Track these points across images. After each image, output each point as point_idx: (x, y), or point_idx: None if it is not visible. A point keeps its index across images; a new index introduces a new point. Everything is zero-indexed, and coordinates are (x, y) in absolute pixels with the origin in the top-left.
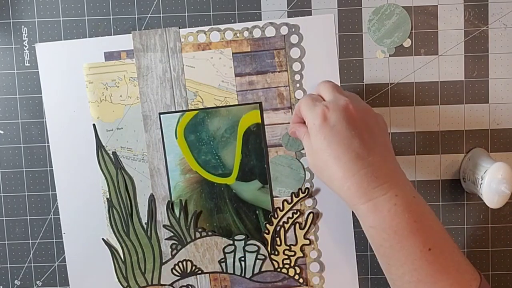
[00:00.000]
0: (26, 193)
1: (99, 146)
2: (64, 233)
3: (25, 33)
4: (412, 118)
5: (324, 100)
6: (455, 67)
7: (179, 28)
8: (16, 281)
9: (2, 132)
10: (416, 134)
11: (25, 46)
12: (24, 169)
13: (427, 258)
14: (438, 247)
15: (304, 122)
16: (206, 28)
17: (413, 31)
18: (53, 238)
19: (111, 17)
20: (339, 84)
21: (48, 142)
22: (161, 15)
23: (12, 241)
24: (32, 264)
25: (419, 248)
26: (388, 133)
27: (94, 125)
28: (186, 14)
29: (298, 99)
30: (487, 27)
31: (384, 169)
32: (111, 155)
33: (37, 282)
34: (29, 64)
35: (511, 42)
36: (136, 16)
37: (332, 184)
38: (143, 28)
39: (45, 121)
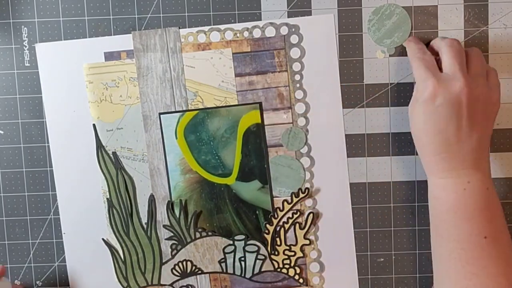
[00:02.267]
0: (26, 193)
1: (99, 146)
2: (64, 233)
3: (25, 33)
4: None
5: (439, 67)
6: None
7: (179, 28)
8: (16, 281)
9: (2, 132)
10: None
11: (25, 46)
12: (24, 169)
13: (480, 244)
14: (495, 238)
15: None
16: (206, 28)
17: (413, 31)
18: (53, 238)
19: (111, 17)
20: (339, 85)
21: (48, 142)
22: (161, 15)
23: (12, 241)
24: (32, 264)
25: (474, 233)
26: (495, 114)
27: (94, 125)
28: (186, 14)
29: (298, 99)
30: (487, 27)
31: (468, 156)
32: (111, 155)
33: (37, 282)
34: (29, 64)
35: (511, 42)
36: (136, 16)
37: (416, 141)
38: (143, 28)
39: (45, 121)
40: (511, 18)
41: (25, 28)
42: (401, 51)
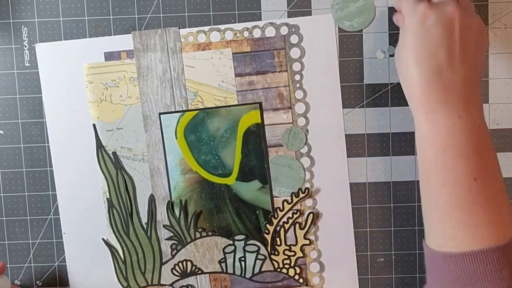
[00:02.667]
0: (26, 193)
1: (99, 146)
2: (64, 233)
3: (25, 33)
4: (412, 118)
5: None
6: None
7: (179, 28)
8: (16, 281)
9: (2, 132)
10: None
11: (25, 46)
12: (24, 169)
13: (469, 187)
14: (485, 180)
15: None
16: (206, 28)
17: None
18: (53, 238)
19: (111, 17)
20: (339, 85)
21: (48, 142)
22: (161, 15)
23: (12, 241)
24: (32, 264)
25: (464, 174)
26: (487, 54)
27: (94, 125)
28: (186, 14)
29: (298, 99)
30: (487, 27)
31: (459, 88)
32: (111, 155)
33: (37, 282)
34: (29, 64)
35: (511, 42)
36: (136, 16)
37: (404, 82)
38: (143, 28)
39: (45, 121)
40: (511, 18)
41: (25, 28)
42: None
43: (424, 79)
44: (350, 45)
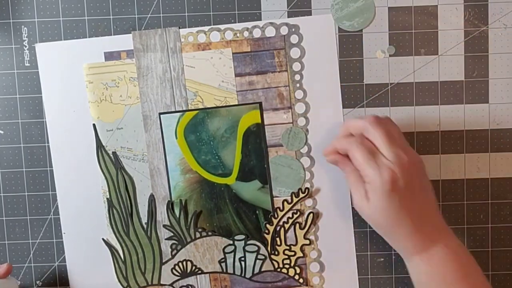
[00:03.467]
0: (26, 193)
1: (99, 146)
2: (64, 233)
3: (25, 33)
4: (412, 118)
5: (379, 151)
6: (455, 67)
7: (179, 28)
8: (16, 281)
9: (2, 132)
10: (416, 134)
11: (25, 46)
12: (24, 169)
13: None
14: None
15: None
16: (206, 28)
17: (412, 31)
18: (53, 238)
19: (111, 17)
20: (339, 85)
21: (48, 142)
22: (161, 15)
23: (12, 241)
24: (32, 264)
25: None
26: (427, 176)
27: (94, 125)
28: (186, 14)
29: (298, 99)
30: (487, 27)
31: (436, 223)
32: (111, 155)
33: (37, 282)
34: (29, 64)
35: (511, 42)
36: (136, 16)
37: (389, 238)
38: (143, 28)
39: (45, 121)
40: (511, 18)
41: (25, 28)
42: (401, 51)
43: (416, 229)
44: (350, 45)
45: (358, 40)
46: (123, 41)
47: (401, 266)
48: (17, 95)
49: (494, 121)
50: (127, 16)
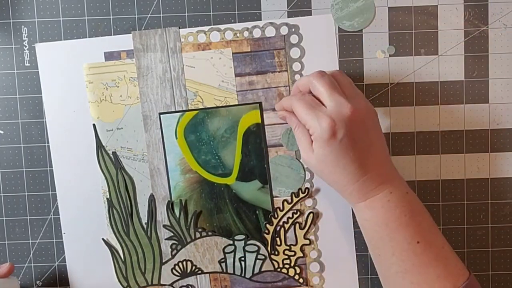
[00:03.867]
0: (26, 193)
1: (99, 146)
2: (64, 233)
3: (25, 33)
4: (412, 118)
5: (322, 102)
6: (455, 67)
7: (179, 28)
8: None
9: (2, 132)
10: (416, 134)
11: (25, 46)
12: (24, 169)
13: (414, 250)
14: (427, 241)
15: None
16: (206, 28)
17: (413, 31)
18: (53, 238)
19: (111, 17)
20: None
21: (48, 142)
22: (161, 15)
23: (12, 241)
24: (32, 264)
25: (408, 240)
26: (380, 126)
27: (94, 125)
28: (186, 14)
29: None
30: (487, 27)
31: (381, 170)
32: (111, 155)
33: (37, 282)
34: (29, 64)
35: (511, 42)
36: (136, 16)
37: (335, 186)
38: (143, 28)
39: (45, 121)
40: (511, 18)
41: (25, 28)
42: (401, 51)
43: (354, 180)
44: (350, 45)
45: (358, 40)
46: (123, 41)
47: None
48: (17, 95)
49: (494, 121)
50: (127, 16)
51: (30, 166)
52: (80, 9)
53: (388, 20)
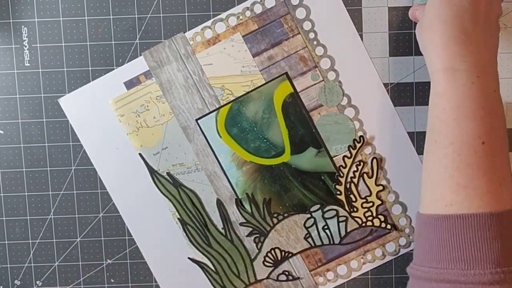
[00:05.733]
0: (26, 193)
1: (152, 172)
2: (147, 261)
3: (25, 33)
4: (412, 118)
5: None
6: None
7: (184, 32)
8: (16, 281)
9: (2, 132)
10: (416, 134)
11: (25, 46)
12: (24, 169)
13: (476, 149)
14: (492, 148)
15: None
16: (209, 22)
17: (413, 31)
18: (53, 238)
19: (111, 17)
20: (354, 29)
21: (48, 142)
22: (161, 15)
23: (12, 241)
24: (32, 264)
25: (473, 136)
26: (498, 17)
27: (140, 154)
28: (186, 14)
29: (321, 56)
30: None
31: (480, 50)
32: (167, 177)
33: (37, 282)
34: (29, 64)
35: (511, 42)
36: (136, 16)
37: (425, 44)
38: (143, 28)
39: (95, 168)
40: (511, 18)
41: (25, 28)
42: (401, 51)
43: (447, 36)
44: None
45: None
46: (137, 65)
47: (401, 266)
48: (17, 95)
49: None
50: (127, 16)
51: (30, 166)
52: (80, 9)
53: (388, 20)
